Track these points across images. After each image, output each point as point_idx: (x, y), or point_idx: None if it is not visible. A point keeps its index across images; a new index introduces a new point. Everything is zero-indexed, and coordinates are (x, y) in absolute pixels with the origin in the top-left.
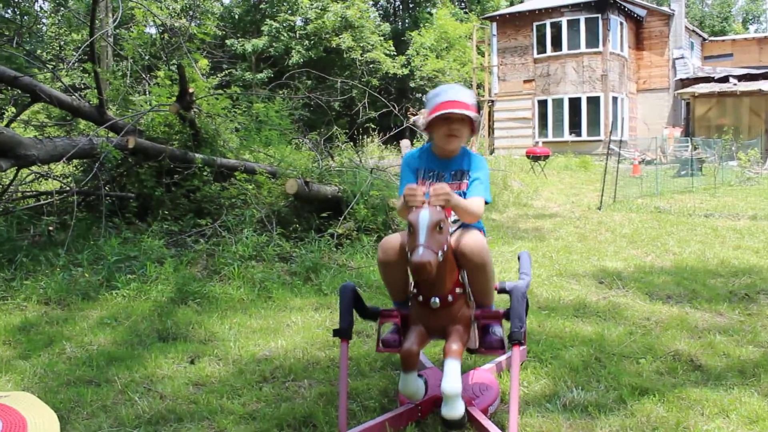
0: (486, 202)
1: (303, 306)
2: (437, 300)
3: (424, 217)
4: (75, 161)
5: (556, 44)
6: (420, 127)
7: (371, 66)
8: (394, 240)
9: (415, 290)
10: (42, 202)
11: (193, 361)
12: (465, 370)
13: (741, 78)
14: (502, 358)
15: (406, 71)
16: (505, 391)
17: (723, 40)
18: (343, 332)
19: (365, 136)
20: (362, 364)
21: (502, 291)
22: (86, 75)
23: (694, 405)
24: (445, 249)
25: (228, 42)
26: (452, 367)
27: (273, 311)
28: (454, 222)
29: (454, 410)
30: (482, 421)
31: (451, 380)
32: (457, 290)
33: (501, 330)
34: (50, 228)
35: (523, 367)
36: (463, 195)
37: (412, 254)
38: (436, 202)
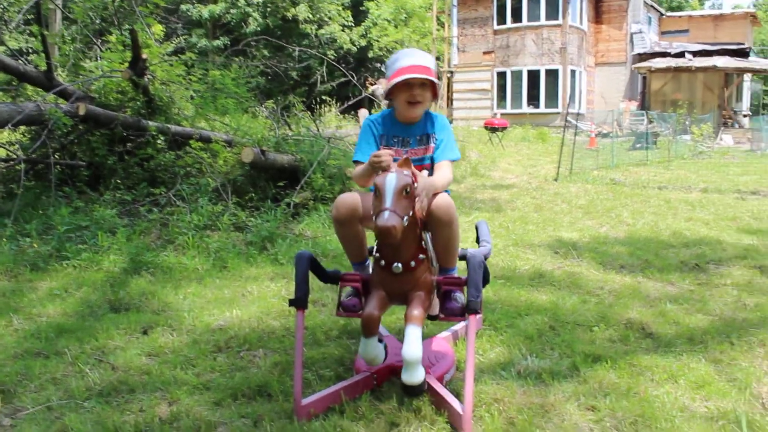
0: (455, 160)
1: (259, 276)
2: (400, 265)
3: (391, 180)
4: (22, 128)
5: (516, 16)
6: (379, 96)
7: (327, 37)
8: (347, 198)
9: (377, 255)
10: None
11: (146, 331)
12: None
13: (696, 54)
14: (459, 326)
15: (364, 42)
16: (460, 359)
17: (680, 16)
18: (299, 302)
19: (323, 106)
20: (318, 333)
21: (462, 258)
22: (33, 39)
23: (645, 371)
24: (411, 214)
25: (183, 7)
26: (413, 333)
27: (228, 281)
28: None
29: (415, 376)
30: (438, 388)
31: (412, 346)
32: (420, 256)
33: (463, 297)
34: None
35: (478, 336)
36: (431, 159)
37: (378, 217)
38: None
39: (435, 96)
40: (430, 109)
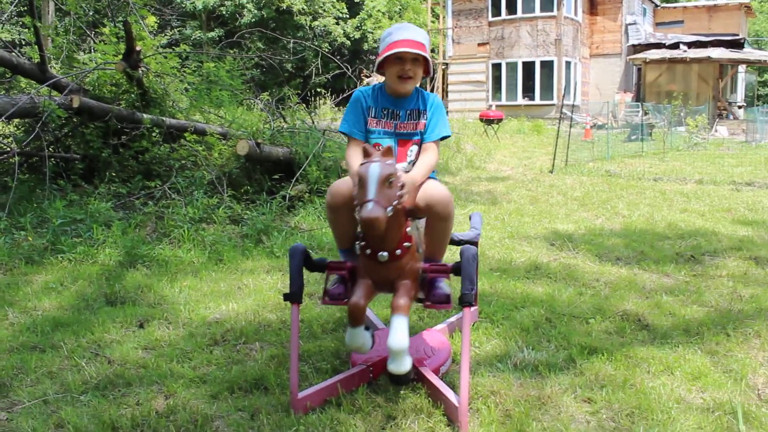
0: (446, 137)
1: (254, 268)
2: (385, 254)
3: (374, 170)
4: (15, 121)
5: (511, 7)
6: None
7: (322, 29)
8: (343, 184)
9: (362, 243)
10: None
11: (142, 325)
12: (417, 331)
13: (691, 45)
14: (454, 318)
15: (358, 34)
16: (456, 351)
17: (674, 7)
18: (294, 296)
19: (318, 98)
20: (314, 326)
21: (451, 242)
22: (26, 30)
23: (641, 363)
24: (395, 203)
25: (177, 0)
26: (399, 323)
27: (224, 274)
28: (411, 163)
29: (401, 365)
30: (434, 381)
31: (398, 336)
32: (406, 244)
33: (447, 284)
34: None
35: (474, 328)
36: (421, 135)
37: (362, 209)
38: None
39: (427, 72)
40: (425, 88)
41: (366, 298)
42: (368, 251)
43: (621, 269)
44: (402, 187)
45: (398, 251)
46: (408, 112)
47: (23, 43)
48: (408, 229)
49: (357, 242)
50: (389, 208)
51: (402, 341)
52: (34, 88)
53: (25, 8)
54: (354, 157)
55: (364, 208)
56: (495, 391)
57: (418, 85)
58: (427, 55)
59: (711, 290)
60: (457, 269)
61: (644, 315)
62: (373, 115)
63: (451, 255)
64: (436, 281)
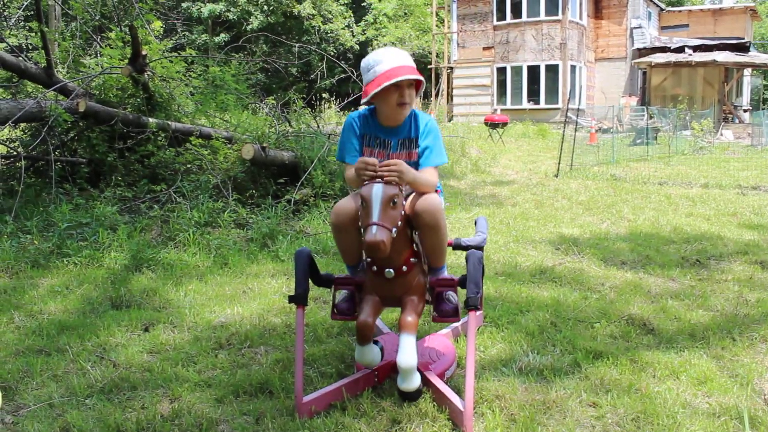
0: (441, 164)
1: (259, 272)
2: (392, 271)
3: (378, 192)
4: (22, 125)
5: (516, 11)
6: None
7: (329, 35)
8: (347, 203)
9: (369, 260)
10: None
11: (147, 328)
12: (422, 336)
13: (696, 49)
14: (459, 323)
15: (363, 38)
16: (461, 356)
17: (680, 11)
18: (299, 298)
19: (323, 102)
20: (319, 330)
21: (457, 247)
22: (32, 35)
23: (647, 367)
24: (399, 224)
25: (184, 5)
26: (407, 342)
27: (229, 278)
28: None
29: (411, 383)
30: (439, 385)
31: (407, 354)
32: (412, 259)
33: (456, 297)
34: None
35: (479, 332)
36: (415, 165)
37: (366, 232)
38: (390, 179)
39: (417, 92)
40: (429, 91)
41: (374, 315)
42: (375, 268)
43: (626, 273)
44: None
45: (404, 267)
46: (400, 141)
47: (30, 47)
48: (414, 246)
49: (363, 259)
50: (394, 230)
51: (411, 360)
52: (40, 92)
53: (32, 13)
54: (352, 172)
55: (369, 232)
56: (500, 396)
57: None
58: (421, 77)
59: (717, 294)
60: (463, 282)
61: (650, 319)
62: (366, 143)
63: (456, 259)
64: (443, 294)
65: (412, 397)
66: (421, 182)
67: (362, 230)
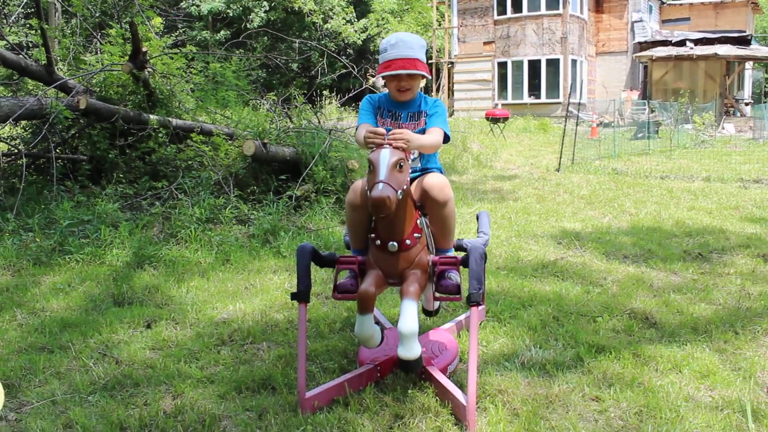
0: (446, 136)
1: (261, 269)
2: (395, 244)
3: (385, 155)
4: (23, 122)
5: (517, 6)
6: (380, 88)
7: (330, 31)
8: (363, 183)
9: (373, 235)
10: None
11: (149, 325)
12: (424, 331)
13: (697, 42)
14: (462, 317)
15: (364, 36)
16: (464, 350)
17: (681, 4)
18: (301, 295)
19: (323, 98)
20: (321, 325)
21: (459, 248)
22: (33, 32)
23: (649, 361)
24: (405, 188)
25: (183, 4)
26: (409, 308)
27: (231, 274)
28: (414, 160)
29: (411, 350)
30: (441, 379)
31: (408, 320)
32: (416, 234)
33: (458, 275)
34: None
35: (482, 327)
36: (422, 131)
37: (372, 189)
38: (397, 145)
39: (427, 72)
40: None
41: (376, 287)
42: (378, 242)
43: (628, 267)
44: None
45: (408, 241)
46: (409, 114)
47: (30, 45)
48: (418, 221)
49: (368, 236)
50: (399, 192)
51: (412, 325)
52: (41, 89)
53: (32, 10)
54: (362, 130)
55: (375, 188)
56: (503, 390)
57: (421, 90)
58: (419, 71)
59: (719, 288)
60: (466, 262)
61: (652, 313)
62: (379, 115)
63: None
64: (445, 272)
65: (412, 366)
66: (427, 144)
67: (368, 191)
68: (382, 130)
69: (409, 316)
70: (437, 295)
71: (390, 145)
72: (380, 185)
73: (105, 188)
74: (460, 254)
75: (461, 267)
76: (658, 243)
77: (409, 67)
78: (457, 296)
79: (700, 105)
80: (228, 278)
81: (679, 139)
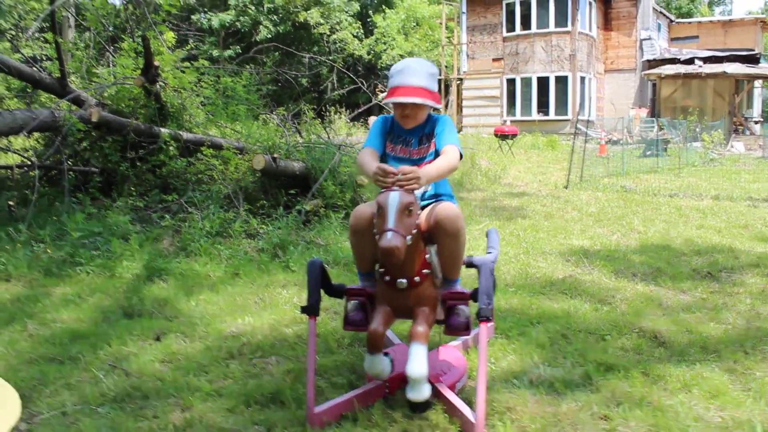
0: (460, 154)
1: (270, 283)
2: (404, 281)
3: (394, 199)
4: (36, 134)
5: (525, 23)
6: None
7: (338, 45)
8: (367, 208)
9: (382, 270)
10: (1, 176)
11: (159, 338)
12: (433, 347)
13: (706, 60)
14: (471, 335)
15: (371, 56)
16: (472, 367)
17: (689, 22)
18: (311, 309)
19: (333, 113)
20: (330, 340)
21: (470, 265)
22: (47, 45)
23: (658, 380)
24: (414, 232)
25: (194, 17)
26: (418, 351)
27: (240, 288)
28: (427, 196)
29: (420, 393)
30: (450, 397)
31: (417, 364)
32: (424, 270)
33: (467, 310)
34: (10, 203)
35: (490, 344)
36: (435, 153)
37: (381, 238)
38: (409, 188)
39: (436, 102)
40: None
41: (384, 325)
42: (387, 278)
43: (637, 285)
44: (416, 211)
45: (417, 278)
46: (419, 138)
47: (44, 58)
48: (427, 256)
49: (376, 268)
50: (409, 237)
51: (420, 369)
52: (54, 102)
53: (47, 24)
54: (366, 156)
55: (384, 237)
56: (511, 408)
57: (431, 111)
58: (423, 100)
59: (729, 307)
60: (475, 296)
61: (661, 332)
62: (390, 141)
63: (466, 271)
64: (455, 308)
65: (421, 407)
66: (443, 170)
67: (377, 237)
68: (392, 168)
69: (418, 360)
70: (446, 330)
71: (400, 187)
72: (389, 234)
73: (116, 200)
74: (469, 286)
75: (470, 301)
76: (667, 261)
77: (412, 95)
78: (467, 332)
79: (709, 123)
80: (237, 292)
81: (688, 157)
